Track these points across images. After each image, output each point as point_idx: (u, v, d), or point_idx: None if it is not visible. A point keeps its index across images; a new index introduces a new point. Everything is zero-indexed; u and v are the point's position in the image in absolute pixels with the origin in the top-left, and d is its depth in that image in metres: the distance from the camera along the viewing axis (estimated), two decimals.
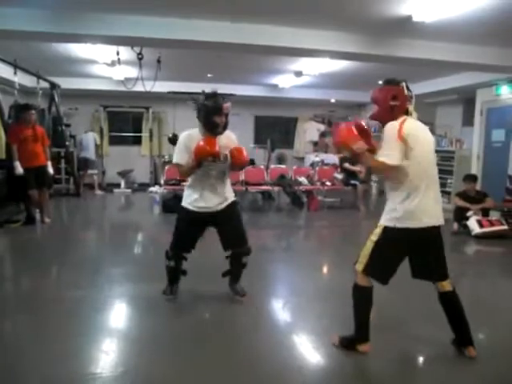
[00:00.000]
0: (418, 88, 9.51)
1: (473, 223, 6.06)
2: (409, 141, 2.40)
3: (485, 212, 6.33)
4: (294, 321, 3.24)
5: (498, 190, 7.05)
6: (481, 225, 6.00)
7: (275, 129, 12.21)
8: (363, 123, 2.63)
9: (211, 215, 3.20)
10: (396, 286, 2.66)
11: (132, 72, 7.74)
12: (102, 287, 3.74)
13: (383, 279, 2.55)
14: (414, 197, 2.45)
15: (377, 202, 10.06)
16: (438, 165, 8.03)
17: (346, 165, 8.51)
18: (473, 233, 6.01)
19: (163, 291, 3.42)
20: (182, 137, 3.16)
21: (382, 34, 5.58)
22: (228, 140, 3.21)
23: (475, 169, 8.27)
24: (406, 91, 2.59)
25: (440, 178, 8.95)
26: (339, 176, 8.52)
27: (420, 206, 2.45)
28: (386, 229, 2.52)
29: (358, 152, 2.50)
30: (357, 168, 8.48)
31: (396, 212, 2.48)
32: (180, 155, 3.10)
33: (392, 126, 2.45)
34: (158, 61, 6.78)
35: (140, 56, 6.31)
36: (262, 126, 12.22)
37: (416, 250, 2.56)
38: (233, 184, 8.78)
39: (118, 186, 10.33)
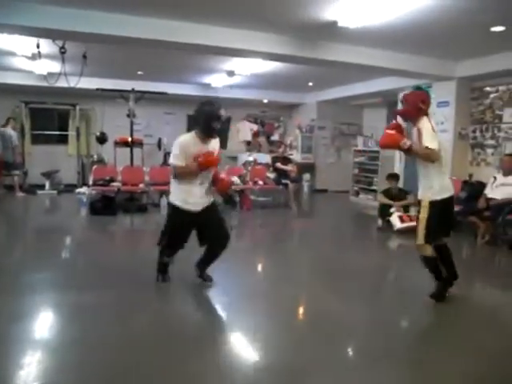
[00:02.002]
0: (345, 90, 9.97)
1: (395, 219, 6.44)
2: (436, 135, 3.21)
3: (406, 208, 6.75)
4: (226, 319, 3.25)
5: (418, 187, 7.53)
6: (402, 220, 6.39)
7: None
8: (398, 122, 3.44)
9: (197, 213, 3.46)
10: None
11: (56, 67, 7.31)
12: (22, 295, 3.49)
13: (441, 237, 3.48)
14: (444, 176, 3.37)
15: (308, 200, 10.38)
16: (366, 164, 8.58)
17: (278, 164, 8.68)
18: (395, 228, 6.39)
19: (156, 278, 3.71)
20: (180, 142, 3.39)
21: (310, 37, 5.77)
22: (215, 145, 3.56)
23: (398, 168, 8.79)
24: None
25: (367, 176, 9.39)
26: (271, 175, 8.66)
27: (446, 182, 3.37)
28: (432, 203, 3.31)
29: (405, 147, 3.20)
30: (288, 167, 8.69)
31: (433, 189, 3.31)
32: (178, 158, 3.34)
33: (427, 123, 3.22)
34: (84, 56, 6.47)
35: (63, 50, 5.97)
36: (192, 124, 12.10)
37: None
38: (162, 184, 8.65)
39: (42, 187, 9.73)
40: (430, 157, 3.20)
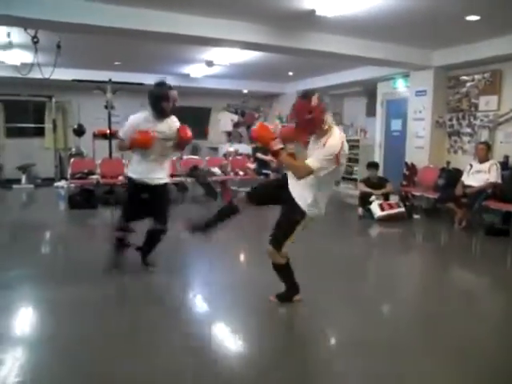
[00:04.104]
0: (325, 80, 9.99)
1: (375, 207, 6.50)
2: (340, 157, 2.79)
3: (386, 196, 6.83)
4: (208, 310, 3.25)
5: (397, 175, 7.66)
6: (382, 208, 6.46)
7: (188, 119, 11.98)
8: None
9: (148, 187, 3.62)
10: None
11: (29, 57, 7.11)
12: None
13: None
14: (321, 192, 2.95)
15: None
16: None
17: (259, 155, 8.66)
18: (375, 216, 6.45)
19: (110, 263, 3.76)
20: (130, 118, 3.60)
21: (289, 26, 5.73)
22: (172, 124, 3.64)
23: (378, 156, 8.88)
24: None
25: (347, 165, 9.40)
26: (252, 166, 8.65)
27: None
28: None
29: (274, 149, 2.81)
30: (269, 158, 8.67)
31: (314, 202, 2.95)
32: (123, 132, 3.56)
33: (337, 143, 2.77)
34: (58, 46, 6.29)
35: (35, 40, 5.79)
36: (175, 116, 11.95)
37: None
38: None
39: (18, 181, 9.52)
40: (297, 171, 2.83)
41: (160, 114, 3.53)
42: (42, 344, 2.63)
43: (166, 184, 3.76)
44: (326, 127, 2.82)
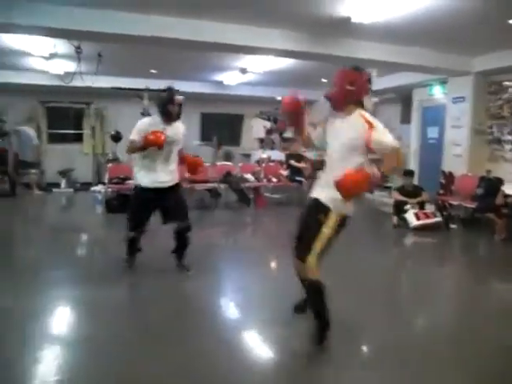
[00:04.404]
0: None
1: (410, 216, 6.35)
2: None
3: (421, 205, 6.66)
4: (240, 317, 3.25)
5: (433, 184, 7.46)
6: (417, 217, 6.31)
7: (222, 126, 12.16)
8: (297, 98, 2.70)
9: (160, 191, 3.72)
10: None
11: (72, 66, 7.40)
12: (39, 291, 3.55)
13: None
14: None
15: None
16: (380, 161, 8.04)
17: (292, 162, 8.64)
18: (411, 225, 6.30)
19: (124, 261, 4.01)
20: (139, 122, 3.74)
21: (324, 33, 5.72)
22: (178, 128, 3.80)
23: (413, 164, 8.68)
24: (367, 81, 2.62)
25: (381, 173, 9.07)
26: (285, 172, 8.63)
27: None
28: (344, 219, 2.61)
29: (376, 177, 2.48)
30: (302, 165, 8.64)
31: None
32: (133, 134, 3.65)
33: (373, 118, 2.55)
34: (99, 55, 6.54)
35: (79, 50, 6.04)
36: (209, 122, 12.13)
37: None
38: None
39: (58, 185, 9.87)
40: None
41: (167, 116, 3.69)
42: (80, 344, 2.71)
43: (175, 184, 3.84)
44: (361, 110, 2.56)
